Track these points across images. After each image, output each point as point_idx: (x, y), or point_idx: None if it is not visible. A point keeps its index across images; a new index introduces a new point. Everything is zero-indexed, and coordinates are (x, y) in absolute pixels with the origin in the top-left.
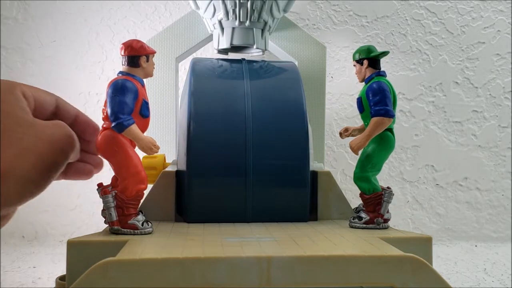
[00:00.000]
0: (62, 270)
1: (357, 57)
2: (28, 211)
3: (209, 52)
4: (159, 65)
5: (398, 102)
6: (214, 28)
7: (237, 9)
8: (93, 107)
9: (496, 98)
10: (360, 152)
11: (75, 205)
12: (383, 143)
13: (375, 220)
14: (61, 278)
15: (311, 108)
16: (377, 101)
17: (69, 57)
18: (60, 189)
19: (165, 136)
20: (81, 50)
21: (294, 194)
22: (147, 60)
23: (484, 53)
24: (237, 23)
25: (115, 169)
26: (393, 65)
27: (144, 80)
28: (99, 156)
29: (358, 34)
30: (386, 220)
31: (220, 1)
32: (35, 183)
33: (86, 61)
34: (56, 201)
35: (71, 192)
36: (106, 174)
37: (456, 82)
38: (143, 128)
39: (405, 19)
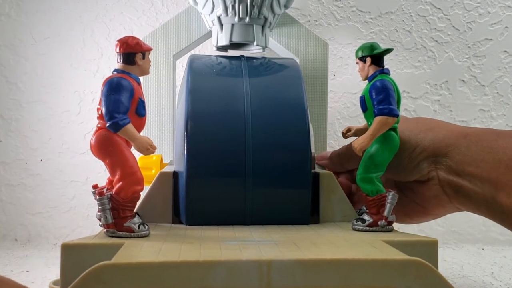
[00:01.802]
0: (56, 274)
1: (360, 54)
2: (21, 213)
3: (208, 50)
4: (156, 62)
5: (403, 101)
6: (213, 24)
7: (236, 5)
8: (88, 105)
9: (504, 96)
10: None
11: (69, 207)
12: (386, 143)
13: (378, 223)
14: (55, 282)
15: (312, 107)
16: (381, 99)
17: (63, 54)
18: (54, 190)
19: (162, 135)
20: (76, 47)
21: (295, 195)
22: (143, 58)
23: (492, 50)
24: (236, 19)
25: (110, 170)
26: (397, 63)
27: (140, 78)
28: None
29: (361, 31)
30: (390, 223)
31: None
32: None
33: (81, 59)
34: (50, 202)
35: (66, 193)
36: (101, 175)
37: (463, 80)
38: (139, 128)
39: (410, 15)
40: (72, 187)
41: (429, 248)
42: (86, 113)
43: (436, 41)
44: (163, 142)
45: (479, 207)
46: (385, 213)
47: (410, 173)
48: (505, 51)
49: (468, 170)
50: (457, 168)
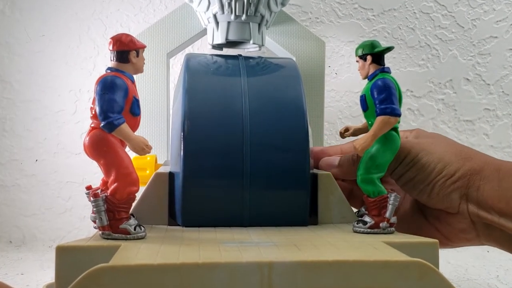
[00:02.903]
0: (51, 277)
1: (360, 52)
2: (16, 215)
3: (202, 47)
4: (149, 60)
5: (406, 100)
6: (209, 22)
7: (232, 2)
8: (84, 105)
9: (509, 95)
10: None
11: (65, 208)
12: (388, 143)
13: (380, 225)
14: (48, 286)
15: (309, 106)
16: (383, 99)
17: (59, 52)
18: (49, 191)
19: (156, 135)
20: (72, 45)
21: (293, 197)
22: (137, 55)
23: (497, 48)
24: (232, 17)
25: (104, 171)
26: (400, 61)
27: (134, 76)
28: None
29: (363, 28)
30: (392, 225)
31: None
32: None
33: (77, 57)
34: (45, 204)
35: (61, 194)
36: (98, 175)
37: (467, 79)
38: (134, 127)
39: (413, 12)
40: (67, 188)
41: (430, 250)
42: (82, 113)
43: (440, 38)
44: (157, 142)
45: (510, 246)
46: (387, 214)
47: (440, 201)
48: (511, 49)
49: (498, 207)
50: (486, 203)
